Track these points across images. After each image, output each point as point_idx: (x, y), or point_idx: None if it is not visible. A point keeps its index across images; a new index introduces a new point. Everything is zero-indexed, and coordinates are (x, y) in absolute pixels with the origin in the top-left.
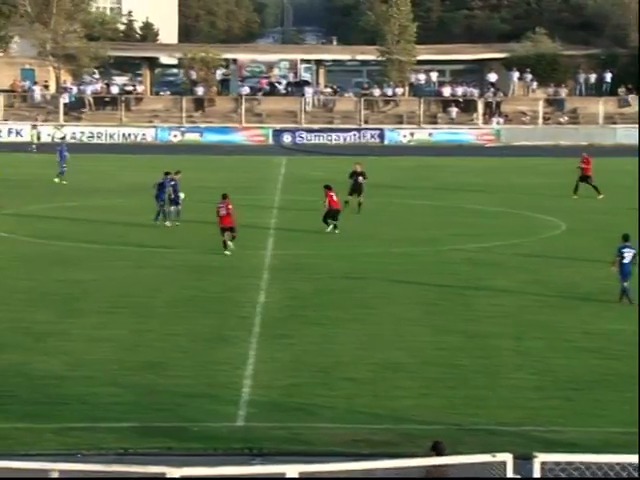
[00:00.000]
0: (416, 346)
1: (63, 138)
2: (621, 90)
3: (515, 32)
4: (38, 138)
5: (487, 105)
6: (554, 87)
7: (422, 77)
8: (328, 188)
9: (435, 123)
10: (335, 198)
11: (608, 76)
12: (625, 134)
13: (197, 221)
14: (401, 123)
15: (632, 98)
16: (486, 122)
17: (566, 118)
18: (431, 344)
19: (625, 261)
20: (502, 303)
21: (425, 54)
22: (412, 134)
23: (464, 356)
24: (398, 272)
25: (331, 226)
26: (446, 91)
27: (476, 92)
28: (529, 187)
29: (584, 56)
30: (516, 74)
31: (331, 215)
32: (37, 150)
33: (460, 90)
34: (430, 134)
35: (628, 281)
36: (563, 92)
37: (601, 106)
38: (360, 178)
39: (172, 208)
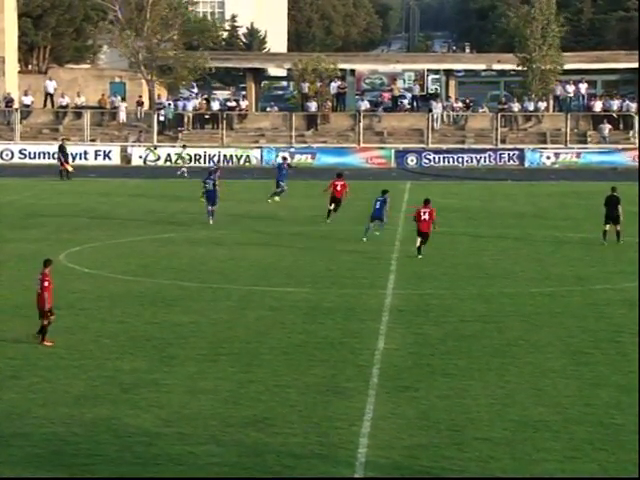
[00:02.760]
0: (561, 402)
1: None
2: None
3: None
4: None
5: None
6: None
7: (569, 89)
8: (339, 176)
9: (584, 142)
10: (339, 188)
11: None
12: None
13: (306, 256)
14: (544, 142)
15: None
16: None
17: None
18: (579, 399)
19: None
20: None
21: (573, 62)
22: (557, 155)
23: (618, 414)
24: (541, 315)
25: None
26: (597, 105)
27: (633, 106)
28: None
29: None
30: None
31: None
32: (188, 175)
33: (614, 104)
34: (578, 155)
35: None
36: None
37: None
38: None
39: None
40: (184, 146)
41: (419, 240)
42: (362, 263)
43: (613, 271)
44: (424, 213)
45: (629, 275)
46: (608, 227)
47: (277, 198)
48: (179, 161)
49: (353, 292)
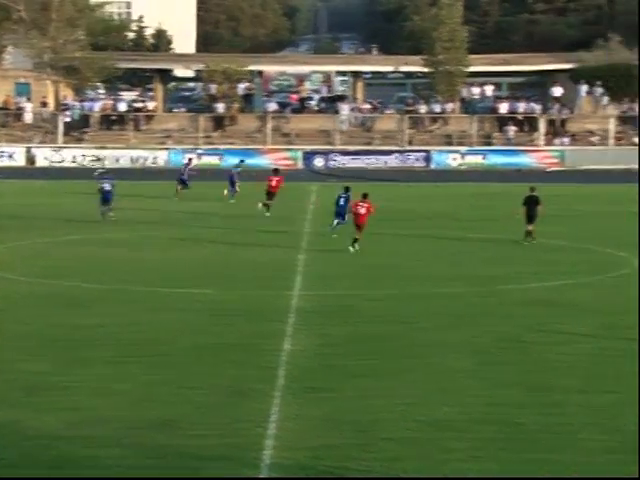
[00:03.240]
0: (467, 401)
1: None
2: None
3: (584, 39)
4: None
5: (550, 123)
6: (628, 102)
7: (475, 91)
8: (275, 172)
9: (490, 144)
10: (274, 183)
11: None
12: None
13: (215, 256)
14: (450, 144)
15: None
16: (549, 143)
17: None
18: (485, 399)
19: None
20: (568, 352)
21: (479, 65)
22: (463, 156)
23: (523, 413)
24: (448, 316)
25: (262, 206)
26: (503, 107)
27: (538, 108)
28: (597, 218)
29: None
30: (584, 88)
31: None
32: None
33: (519, 106)
34: (484, 156)
35: None
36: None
37: None
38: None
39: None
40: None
41: (358, 232)
42: (269, 264)
43: (520, 271)
44: (361, 207)
45: (536, 275)
46: (531, 227)
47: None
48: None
49: (259, 293)
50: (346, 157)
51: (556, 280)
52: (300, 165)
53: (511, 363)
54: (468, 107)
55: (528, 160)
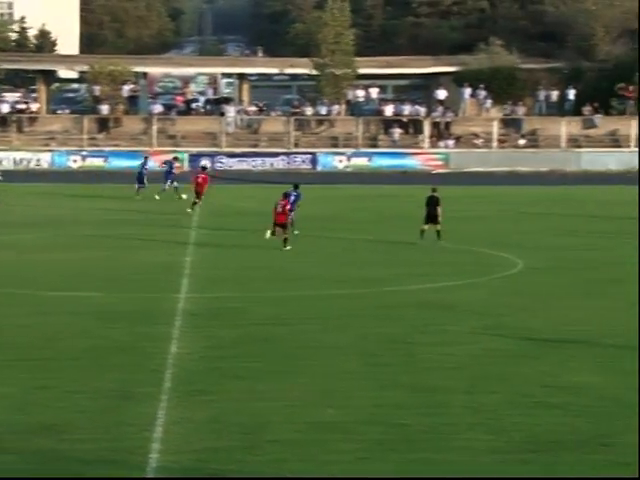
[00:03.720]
0: (353, 403)
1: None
2: (586, 109)
3: (467, 43)
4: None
5: (435, 126)
6: (511, 105)
7: (361, 94)
8: (203, 169)
9: (375, 146)
10: (200, 180)
11: (571, 93)
12: (591, 159)
13: (102, 258)
14: (336, 146)
15: (599, 118)
16: (433, 145)
17: (524, 141)
18: (370, 400)
19: None
20: (452, 352)
21: (364, 67)
22: (349, 159)
23: (408, 414)
24: (334, 318)
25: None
26: (388, 110)
27: (422, 111)
28: (482, 220)
29: (545, 70)
30: (468, 90)
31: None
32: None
33: (404, 109)
34: (369, 159)
35: None
36: (521, 111)
37: (564, 127)
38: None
39: None
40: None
41: (279, 229)
42: (156, 267)
43: (406, 273)
44: (281, 206)
45: (421, 277)
46: (427, 227)
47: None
48: None
49: (146, 296)
50: (232, 159)
51: (441, 281)
52: (186, 167)
53: (397, 364)
54: (354, 109)
55: (413, 162)
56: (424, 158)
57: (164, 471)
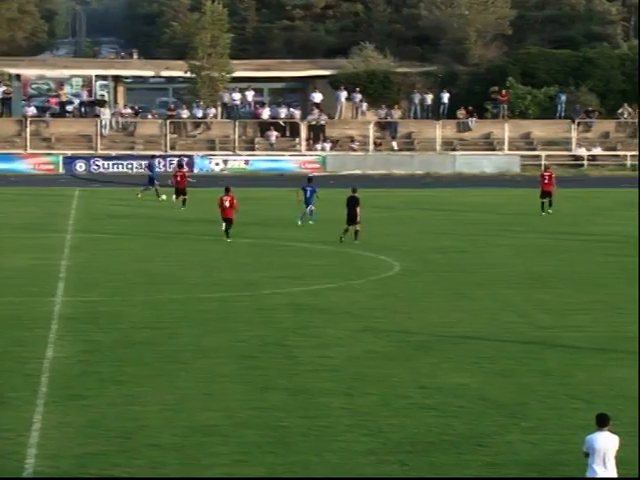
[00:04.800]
0: (231, 406)
1: None
2: (460, 113)
3: (342, 46)
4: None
5: (311, 129)
6: (386, 109)
7: (237, 96)
8: (180, 167)
9: (252, 149)
10: (179, 179)
11: (446, 97)
12: (465, 162)
13: None
14: (213, 149)
15: (473, 121)
16: (310, 148)
17: (395, 145)
18: (248, 403)
19: None
20: (330, 355)
21: (240, 70)
22: (226, 162)
23: (287, 416)
24: (210, 321)
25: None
26: (265, 113)
27: (299, 114)
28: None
29: (419, 74)
30: (344, 94)
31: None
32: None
33: (281, 112)
34: (246, 162)
35: None
36: (396, 114)
37: (438, 130)
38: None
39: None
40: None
41: (224, 225)
42: (31, 271)
43: (281, 275)
44: (225, 201)
45: (298, 279)
46: (351, 227)
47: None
48: None
49: (21, 300)
50: (108, 162)
51: (318, 284)
52: (61, 170)
53: (275, 367)
54: (230, 112)
55: (290, 165)
56: (301, 161)
57: (41, 476)
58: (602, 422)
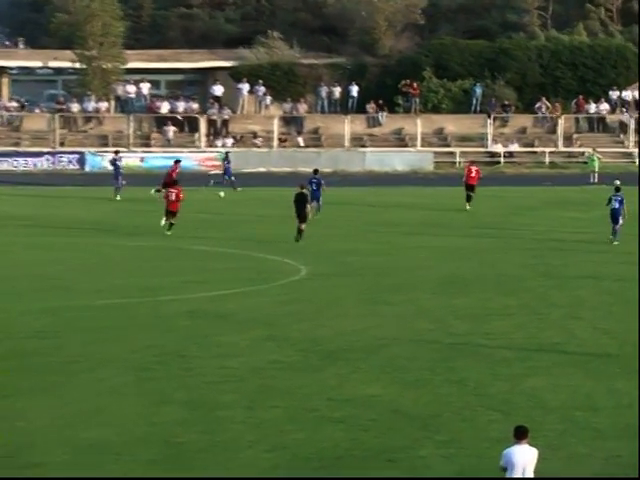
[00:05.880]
0: (125, 421)
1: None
2: (370, 107)
3: (244, 36)
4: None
5: (211, 124)
6: (291, 102)
7: (131, 89)
8: (177, 162)
9: (148, 146)
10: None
11: (355, 90)
12: (375, 159)
13: None
14: (106, 146)
15: (383, 116)
16: (210, 144)
17: (301, 141)
18: (144, 418)
19: None
20: (232, 365)
21: (135, 61)
22: (120, 159)
23: (185, 432)
24: (104, 329)
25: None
26: (161, 106)
27: (198, 108)
28: (261, 223)
29: (326, 66)
30: (246, 86)
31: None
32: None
33: (179, 105)
34: (142, 159)
35: None
36: (302, 109)
37: (347, 126)
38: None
39: None
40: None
41: (167, 217)
42: None
43: (180, 281)
44: (171, 194)
45: (198, 284)
46: (304, 226)
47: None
48: None
49: None
50: None
51: (219, 289)
52: None
53: (173, 379)
54: (124, 106)
55: (189, 163)
56: (200, 158)
57: None
58: (520, 435)
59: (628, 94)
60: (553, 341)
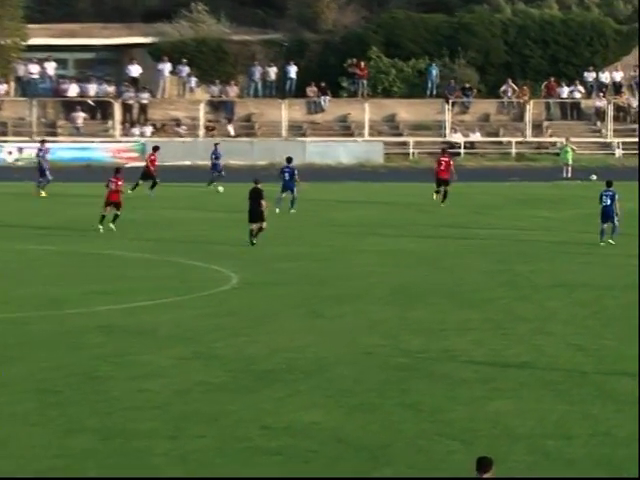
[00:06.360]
0: (28, 453)
1: None
2: (311, 90)
3: (165, 8)
4: None
5: (127, 109)
6: (220, 85)
7: (34, 69)
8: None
9: (54, 135)
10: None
11: (293, 71)
12: (317, 150)
13: None
14: (5, 135)
15: (326, 101)
16: (126, 133)
17: (232, 130)
18: (50, 450)
19: None
20: (151, 388)
21: (38, 37)
22: (20, 150)
23: (97, 465)
24: (3, 347)
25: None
26: (69, 89)
27: (112, 91)
28: (184, 225)
29: (260, 43)
30: (167, 66)
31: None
32: None
33: (90, 88)
34: (47, 150)
35: None
36: (232, 92)
37: (284, 112)
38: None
39: None
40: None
41: (110, 209)
42: None
43: (92, 291)
44: (114, 183)
45: (111, 295)
46: (254, 226)
47: None
48: None
49: None
50: None
51: (136, 301)
52: None
53: (83, 403)
54: (26, 89)
55: (102, 154)
56: (115, 149)
57: None
58: (483, 467)
59: (606, 76)
60: (520, 359)
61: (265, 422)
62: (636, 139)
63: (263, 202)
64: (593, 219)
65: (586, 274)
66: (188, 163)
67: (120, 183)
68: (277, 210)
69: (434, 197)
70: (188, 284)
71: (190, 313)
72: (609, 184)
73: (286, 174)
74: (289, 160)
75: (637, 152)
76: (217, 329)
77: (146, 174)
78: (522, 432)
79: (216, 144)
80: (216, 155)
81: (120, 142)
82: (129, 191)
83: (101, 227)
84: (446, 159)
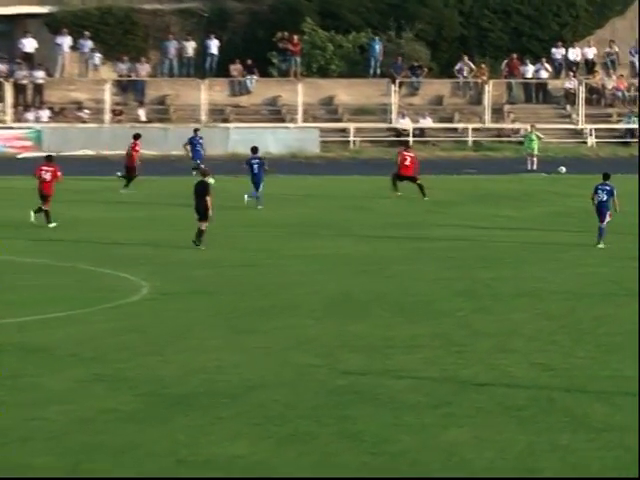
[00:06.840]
0: None
1: None
2: (235, 68)
3: None
4: None
5: (20, 90)
6: (129, 62)
7: None
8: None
9: None
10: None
11: (214, 45)
12: (242, 138)
13: None
14: None
15: (253, 81)
16: (19, 118)
17: (143, 114)
18: None
19: None
20: (47, 416)
21: None
22: None
23: None
24: None
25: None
26: None
27: (2, 69)
28: (90, 225)
29: (175, 12)
30: (67, 40)
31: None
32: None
33: None
34: None
35: None
36: (144, 70)
37: (204, 93)
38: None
39: None
40: None
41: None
42: None
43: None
44: (46, 172)
45: (8, 308)
46: (205, 226)
47: None
48: None
49: None
50: None
51: (28, 315)
52: None
53: None
54: None
55: None
56: (5, 136)
57: None
58: None
59: (576, 53)
60: (478, 381)
61: (180, 455)
62: (611, 125)
63: (208, 198)
64: (562, 218)
65: (555, 282)
66: (91, 153)
67: (59, 174)
68: (246, 199)
69: (398, 194)
70: (91, 294)
71: (93, 328)
72: (606, 177)
73: (255, 166)
74: (255, 150)
75: (636, 143)
76: (124, 347)
77: (129, 168)
78: (480, 466)
79: (196, 129)
80: (196, 142)
81: (12, 129)
82: (121, 191)
83: (53, 224)
84: (411, 154)
